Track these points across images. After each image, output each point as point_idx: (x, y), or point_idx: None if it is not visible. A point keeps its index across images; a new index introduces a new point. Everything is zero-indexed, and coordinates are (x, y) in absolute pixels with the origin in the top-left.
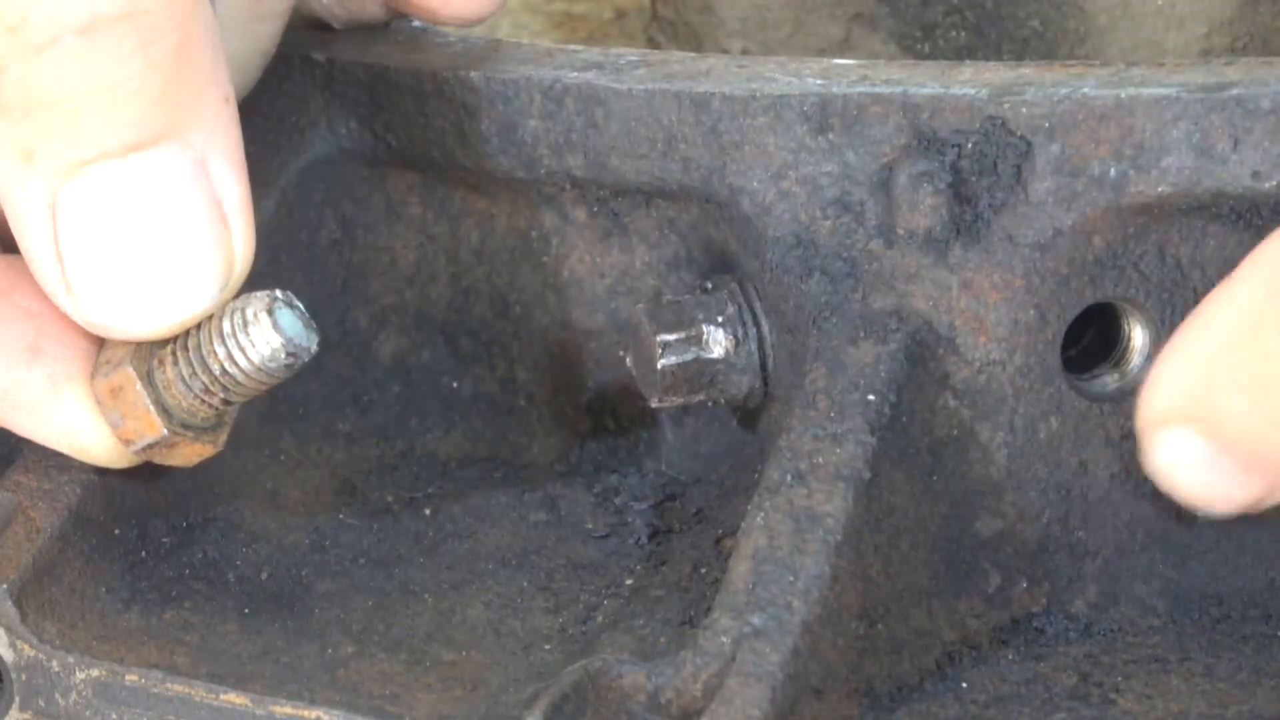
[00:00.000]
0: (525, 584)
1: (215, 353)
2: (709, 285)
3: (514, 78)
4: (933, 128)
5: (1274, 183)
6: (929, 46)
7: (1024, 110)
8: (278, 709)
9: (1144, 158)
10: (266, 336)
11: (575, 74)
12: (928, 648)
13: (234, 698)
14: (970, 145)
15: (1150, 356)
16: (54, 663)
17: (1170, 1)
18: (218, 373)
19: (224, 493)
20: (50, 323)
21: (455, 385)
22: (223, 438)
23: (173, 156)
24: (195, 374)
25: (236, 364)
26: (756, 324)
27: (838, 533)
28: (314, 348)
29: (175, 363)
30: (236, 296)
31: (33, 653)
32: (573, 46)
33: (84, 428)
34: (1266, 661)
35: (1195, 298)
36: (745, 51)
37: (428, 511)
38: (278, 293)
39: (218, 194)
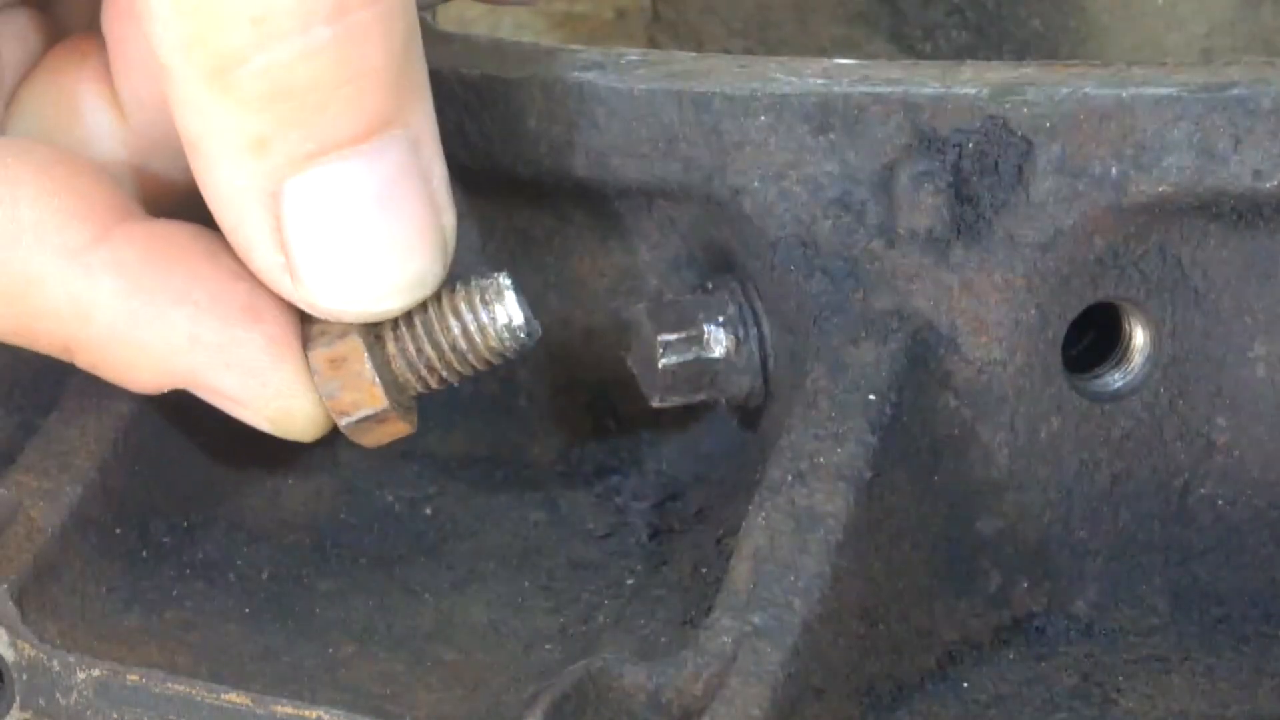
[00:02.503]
0: (526, 584)
1: (450, 328)
2: (710, 285)
3: (514, 78)
4: (934, 127)
5: (1275, 182)
6: (930, 46)
7: (1025, 110)
8: (278, 709)
9: (1145, 157)
10: (510, 313)
11: (575, 74)
12: (928, 647)
13: (235, 697)
14: (971, 145)
15: (1151, 356)
16: (55, 662)
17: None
18: (448, 349)
19: (224, 493)
20: (262, 288)
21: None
22: (414, 419)
23: (397, 141)
24: (421, 350)
25: (473, 341)
26: (757, 324)
27: (839, 532)
28: (539, 331)
29: (396, 339)
30: (465, 276)
31: (33, 652)
32: (573, 46)
33: (297, 394)
34: (1267, 661)
35: (1196, 298)
36: (747, 51)
37: (428, 511)
38: (506, 274)
39: (427, 173)
